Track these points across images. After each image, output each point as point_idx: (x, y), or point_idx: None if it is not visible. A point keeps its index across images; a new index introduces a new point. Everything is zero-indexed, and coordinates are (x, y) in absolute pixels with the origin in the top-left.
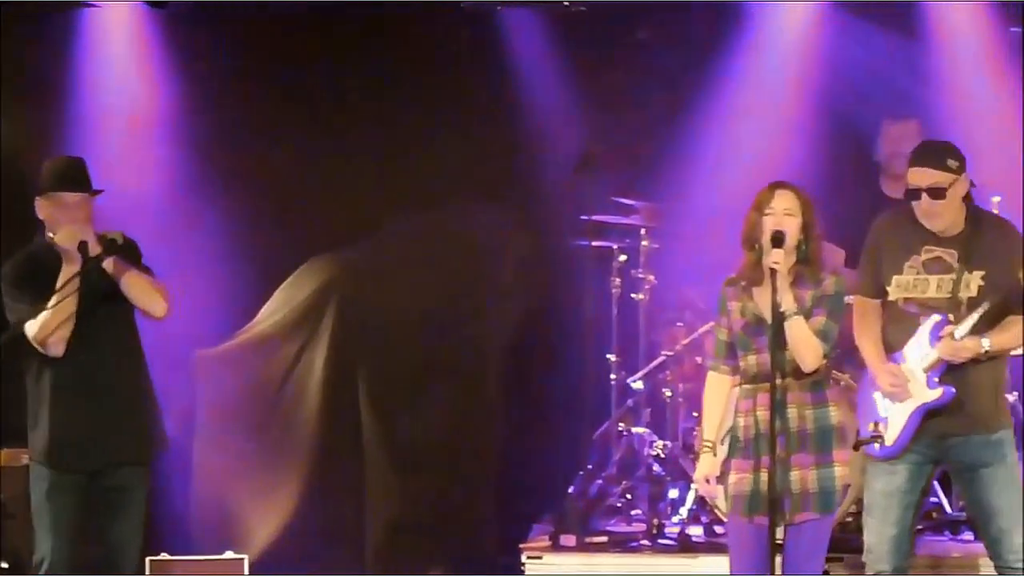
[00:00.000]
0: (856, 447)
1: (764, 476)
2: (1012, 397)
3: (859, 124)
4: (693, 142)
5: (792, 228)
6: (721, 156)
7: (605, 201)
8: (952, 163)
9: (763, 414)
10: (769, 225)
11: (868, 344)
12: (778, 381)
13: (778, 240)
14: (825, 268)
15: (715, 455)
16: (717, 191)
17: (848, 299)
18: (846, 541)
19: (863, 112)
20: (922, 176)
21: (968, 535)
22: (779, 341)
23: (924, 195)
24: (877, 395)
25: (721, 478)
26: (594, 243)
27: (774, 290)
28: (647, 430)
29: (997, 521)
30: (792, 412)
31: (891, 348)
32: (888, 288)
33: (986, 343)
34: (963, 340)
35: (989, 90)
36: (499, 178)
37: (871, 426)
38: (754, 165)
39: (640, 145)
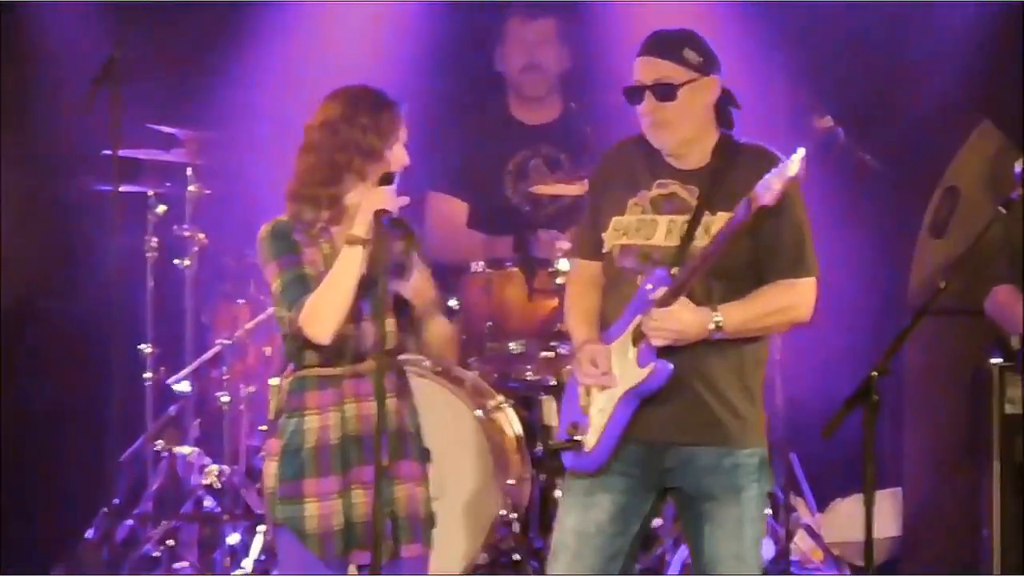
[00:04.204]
0: (551, 452)
1: (359, 497)
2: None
3: (481, 25)
4: (257, 54)
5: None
6: (295, 69)
7: (137, 129)
8: (691, 56)
9: (353, 408)
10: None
11: (574, 319)
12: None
13: (389, 179)
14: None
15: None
16: (287, 114)
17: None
18: None
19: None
20: (647, 69)
21: None
22: (383, 306)
23: (647, 93)
24: (583, 389)
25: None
26: (121, 188)
27: (379, 240)
28: (196, 450)
29: None
30: (391, 404)
31: (605, 322)
32: (604, 236)
33: (718, 318)
34: (680, 310)
35: None
36: None
37: (570, 428)
38: (342, 79)
39: (185, 58)
